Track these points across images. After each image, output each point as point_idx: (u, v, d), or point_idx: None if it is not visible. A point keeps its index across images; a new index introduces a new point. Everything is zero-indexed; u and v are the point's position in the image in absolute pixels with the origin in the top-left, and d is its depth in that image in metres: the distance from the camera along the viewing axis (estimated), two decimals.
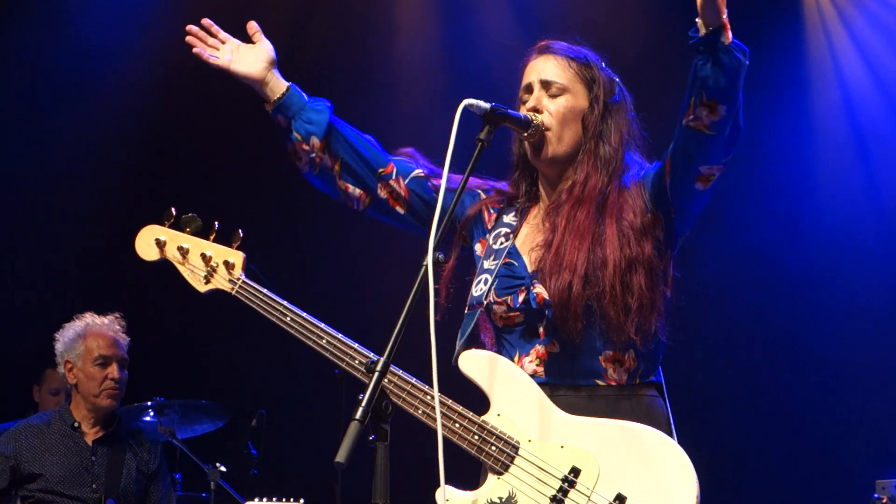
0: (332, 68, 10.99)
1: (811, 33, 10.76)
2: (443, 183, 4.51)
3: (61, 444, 7.69)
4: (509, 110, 4.77)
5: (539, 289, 4.79)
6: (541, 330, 4.81)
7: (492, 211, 5.13)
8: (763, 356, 9.84)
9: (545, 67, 4.94)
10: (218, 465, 8.72)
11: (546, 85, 4.91)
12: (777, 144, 10.41)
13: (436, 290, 4.33)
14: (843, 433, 9.76)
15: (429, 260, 4.36)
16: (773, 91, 10.47)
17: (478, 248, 5.11)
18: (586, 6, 10.52)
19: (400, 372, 4.76)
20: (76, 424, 7.73)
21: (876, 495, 8.29)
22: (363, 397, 4.25)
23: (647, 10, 10.62)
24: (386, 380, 4.54)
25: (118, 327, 7.87)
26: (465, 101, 4.62)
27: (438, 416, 4.48)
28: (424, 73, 10.98)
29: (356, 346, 4.80)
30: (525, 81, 4.98)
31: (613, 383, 4.77)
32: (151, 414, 8.51)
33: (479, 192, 5.17)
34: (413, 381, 4.76)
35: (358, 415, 4.20)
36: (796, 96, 10.69)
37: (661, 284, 4.80)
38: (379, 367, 4.28)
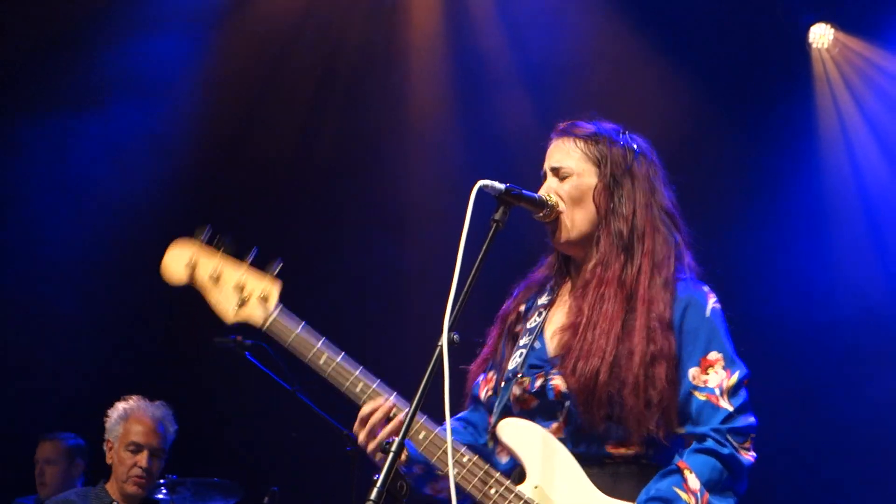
0: (347, 147, 11.04)
1: (821, 107, 10.80)
2: (458, 261, 4.51)
3: None
4: (524, 191, 4.75)
5: (557, 380, 4.75)
6: (560, 419, 4.77)
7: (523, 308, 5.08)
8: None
9: (555, 154, 4.94)
10: None
11: (555, 171, 4.89)
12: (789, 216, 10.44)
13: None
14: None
15: (444, 340, 4.35)
16: (786, 166, 10.50)
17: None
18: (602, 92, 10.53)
19: (460, 447, 4.71)
20: None
21: None
22: (378, 478, 4.24)
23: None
24: (424, 431, 4.64)
25: (162, 414, 7.78)
26: (480, 182, 4.61)
27: (451, 479, 4.44)
28: (441, 154, 10.99)
29: (393, 395, 4.71)
30: (543, 168, 4.96)
31: (620, 460, 4.73)
32: (164, 492, 8.46)
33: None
34: (469, 454, 4.69)
35: (373, 496, 4.20)
36: (810, 156, 10.70)
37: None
38: (394, 448, 4.29)
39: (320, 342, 4.77)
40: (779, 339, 10.02)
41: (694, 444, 4.66)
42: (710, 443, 4.64)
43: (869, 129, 10.67)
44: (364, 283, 10.83)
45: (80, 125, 11.01)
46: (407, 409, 4.44)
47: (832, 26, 10.78)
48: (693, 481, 4.58)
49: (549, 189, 4.88)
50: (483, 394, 5.04)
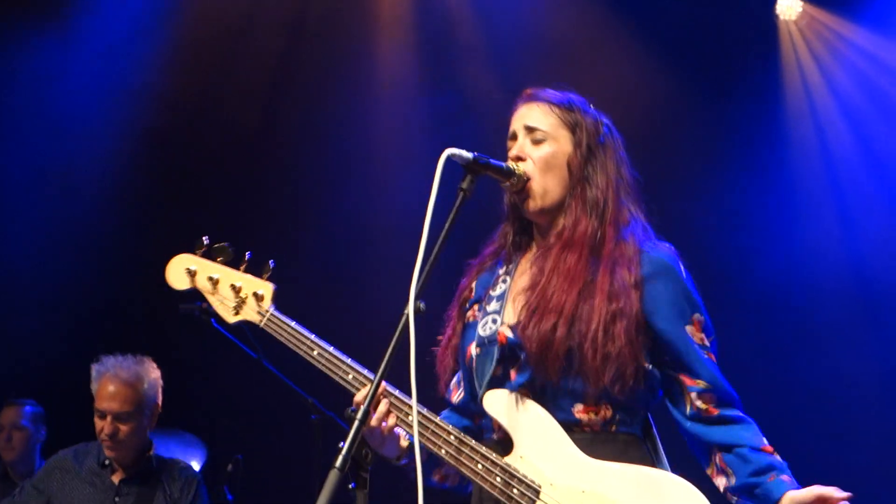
0: (314, 118, 11.03)
1: (788, 78, 10.85)
2: (425, 230, 4.51)
3: (88, 482, 7.65)
4: (491, 160, 4.76)
5: (504, 329, 4.81)
6: (512, 373, 4.81)
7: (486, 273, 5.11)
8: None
9: (529, 114, 4.94)
10: None
11: (530, 130, 4.89)
12: (758, 200, 10.48)
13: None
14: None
15: (410, 309, 4.38)
16: (753, 136, 10.55)
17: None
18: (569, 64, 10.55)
19: (426, 411, 4.76)
20: (106, 462, 7.67)
21: None
22: (343, 445, 4.27)
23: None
24: (420, 419, 4.65)
25: (129, 375, 7.65)
26: (448, 151, 4.62)
27: (418, 458, 4.41)
28: (409, 124, 10.99)
29: (384, 383, 4.70)
30: (510, 129, 4.98)
31: (587, 430, 4.77)
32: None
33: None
34: (437, 421, 4.76)
35: (338, 463, 4.22)
36: (773, 126, 10.79)
37: (641, 335, 4.76)
38: (359, 416, 4.31)
39: (313, 336, 4.89)
40: (746, 306, 10.07)
41: (732, 422, 4.77)
42: (734, 412, 4.79)
43: (835, 100, 10.75)
44: (333, 251, 10.81)
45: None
46: (375, 380, 4.44)
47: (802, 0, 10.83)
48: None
49: (522, 149, 4.90)
50: (455, 398, 5.09)
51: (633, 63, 10.64)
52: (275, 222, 10.94)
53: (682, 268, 4.88)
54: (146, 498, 7.73)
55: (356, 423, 4.32)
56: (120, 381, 7.64)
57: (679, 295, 4.82)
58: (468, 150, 4.70)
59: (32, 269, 11.10)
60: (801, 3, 10.80)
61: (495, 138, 5.12)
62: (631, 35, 10.69)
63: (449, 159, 4.62)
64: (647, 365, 4.79)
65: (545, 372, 4.71)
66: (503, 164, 4.83)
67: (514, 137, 4.97)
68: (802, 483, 4.58)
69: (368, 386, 4.61)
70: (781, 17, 10.85)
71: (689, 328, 4.80)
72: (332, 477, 4.21)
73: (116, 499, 7.66)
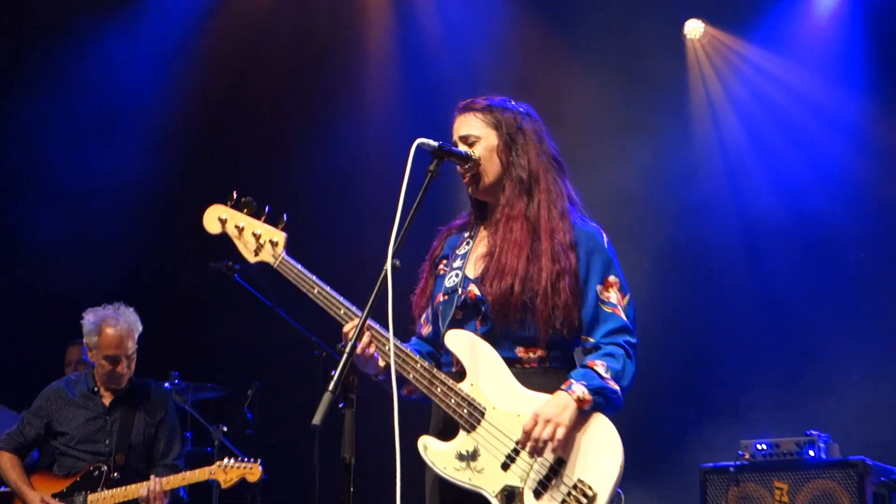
0: (312, 109, 11.02)
1: (693, 87, 10.85)
2: (399, 204, 4.55)
3: (82, 405, 7.63)
4: (453, 147, 4.85)
5: (472, 287, 4.86)
6: (477, 322, 4.85)
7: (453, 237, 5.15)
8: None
9: (461, 126, 4.97)
10: (221, 426, 8.71)
11: (464, 139, 4.92)
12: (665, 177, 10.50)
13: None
14: (715, 402, 9.81)
15: (388, 266, 4.45)
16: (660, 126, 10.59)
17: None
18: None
19: (400, 343, 4.80)
20: (95, 389, 7.66)
21: (740, 452, 8.32)
22: (335, 373, 4.33)
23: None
24: (390, 344, 4.63)
25: (129, 322, 7.68)
26: (418, 140, 4.68)
27: (394, 377, 4.50)
28: (386, 117, 10.99)
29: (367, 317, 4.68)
30: (453, 140, 4.98)
31: (527, 366, 4.82)
32: (167, 385, 8.44)
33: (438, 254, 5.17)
34: (408, 351, 4.81)
35: (330, 387, 4.29)
36: (681, 135, 10.75)
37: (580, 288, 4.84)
38: (347, 350, 4.39)
39: (314, 277, 4.92)
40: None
41: (603, 348, 4.79)
42: (612, 347, 4.78)
43: (732, 107, 10.71)
44: (322, 219, 10.80)
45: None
46: (360, 321, 4.51)
47: (703, 21, 10.80)
48: (603, 370, 4.70)
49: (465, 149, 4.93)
50: (425, 332, 5.10)
51: (571, 73, 10.61)
52: (285, 189, 10.93)
53: (603, 238, 4.94)
54: (130, 414, 7.73)
55: (345, 355, 4.38)
56: (122, 329, 7.66)
57: (598, 260, 4.88)
58: (435, 140, 4.75)
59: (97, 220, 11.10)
60: (704, 25, 10.79)
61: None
62: (571, 50, 10.66)
63: (419, 147, 4.69)
64: (576, 310, 4.83)
65: (505, 321, 4.77)
66: (462, 151, 4.88)
67: (456, 146, 4.96)
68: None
69: (356, 320, 4.67)
70: (688, 36, 10.83)
71: (600, 287, 4.85)
72: (327, 398, 4.27)
73: (107, 417, 7.65)
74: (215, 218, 5.14)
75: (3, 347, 10.65)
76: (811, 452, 8.12)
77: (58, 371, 9.87)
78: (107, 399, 7.66)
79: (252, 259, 5.05)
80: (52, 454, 7.60)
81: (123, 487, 7.49)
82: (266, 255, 5.02)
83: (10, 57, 10.83)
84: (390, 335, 4.57)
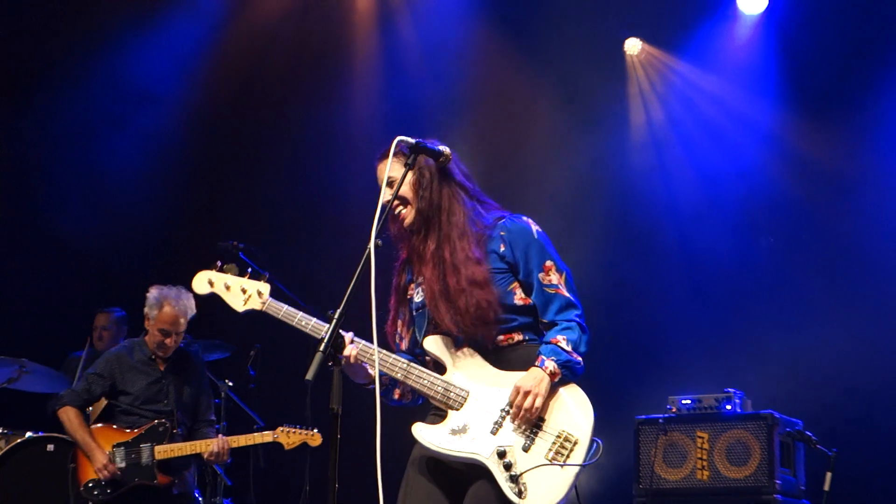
0: (306, 112, 11.01)
1: (632, 97, 10.87)
2: (382, 191, 4.59)
3: (142, 370, 7.63)
4: (427, 143, 4.81)
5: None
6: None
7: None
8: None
9: (381, 173, 4.83)
10: (227, 381, 8.71)
11: (390, 184, 4.79)
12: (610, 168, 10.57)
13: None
14: (648, 363, 9.88)
15: (371, 246, 4.44)
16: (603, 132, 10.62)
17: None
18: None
19: (386, 352, 4.80)
20: (152, 357, 7.67)
21: (669, 406, 8.37)
22: (325, 336, 4.39)
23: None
24: (381, 357, 4.73)
25: (186, 303, 7.70)
26: (399, 137, 4.72)
27: (377, 367, 4.54)
28: (372, 116, 10.98)
29: (351, 333, 4.72)
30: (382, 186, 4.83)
31: (506, 346, 4.85)
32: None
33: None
34: (393, 356, 4.81)
35: (321, 348, 4.34)
36: (623, 136, 10.79)
37: (513, 280, 4.88)
38: (336, 316, 4.40)
39: (300, 314, 4.90)
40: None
41: (559, 324, 4.81)
42: (567, 323, 4.81)
43: (665, 115, 10.75)
44: (315, 209, 10.80)
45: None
46: (345, 295, 4.47)
47: (641, 39, 10.82)
48: (565, 343, 4.74)
49: (387, 197, 4.82)
50: (403, 347, 5.06)
51: (529, 83, 10.63)
52: (283, 185, 10.94)
53: (533, 228, 4.92)
54: (181, 379, 7.78)
55: (334, 321, 4.41)
56: (179, 309, 7.69)
57: (532, 250, 4.88)
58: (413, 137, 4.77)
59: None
60: (641, 43, 10.81)
61: (431, 129, 5.13)
62: (530, 64, 10.67)
63: (399, 144, 4.72)
64: (527, 300, 4.87)
65: (467, 328, 4.79)
66: (436, 147, 4.84)
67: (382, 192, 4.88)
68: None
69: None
70: (628, 52, 10.85)
71: (541, 275, 4.86)
72: (318, 358, 4.32)
73: (163, 381, 7.67)
74: (204, 281, 5.09)
75: (37, 312, 10.62)
76: (728, 407, 8.17)
77: (84, 334, 9.89)
78: (161, 365, 7.67)
79: (241, 308, 5.02)
80: (112, 411, 7.57)
81: (190, 442, 7.55)
82: (253, 304, 4.98)
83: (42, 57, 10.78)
84: (374, 321, 4.51)
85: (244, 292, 5.00)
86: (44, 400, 9.80)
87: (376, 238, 4.45)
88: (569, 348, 4.73)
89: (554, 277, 4.85)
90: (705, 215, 10.24)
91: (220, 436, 7.58)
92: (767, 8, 10.20)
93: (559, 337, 4.75)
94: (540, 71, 10.63)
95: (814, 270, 9.87)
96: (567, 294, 4.85)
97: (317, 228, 10.70)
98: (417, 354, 4.99)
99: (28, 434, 8.70)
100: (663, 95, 10.76)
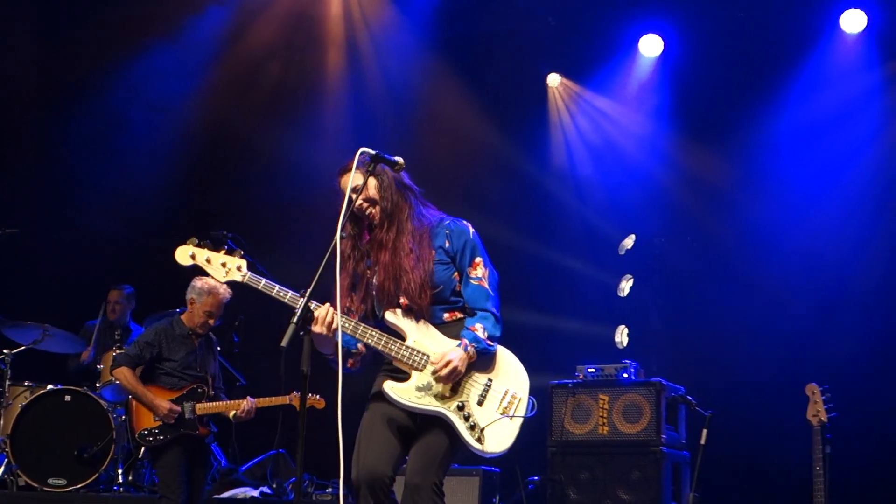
0: (286, 124, 10.89)
1: (552, 124, 10.85)
2: (346, 195, 4.49)
3: (181, 342, 7.51)
4: (386, 155, 4.73)
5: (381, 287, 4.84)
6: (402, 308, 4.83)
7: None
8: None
9: (347, 183, 4.72)
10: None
11: (355, 189, 4.72)
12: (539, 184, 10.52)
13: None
14: (560, 337, 9.88)
15: (337, 237, 4.41)
16: (530, 150, 10.55)
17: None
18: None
19: (364, 324, 4.74)
20: (190, 333, 7.57)
21: (577, 374, 8.35)
22: (297, 310, 4.35)
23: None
24: (352, 325, 4.67)
25: (228, 295, 7.58)
26: (362, 149, 4.63)
27: (340, 340, 4.41)
28: (338, 130, 10.89)
29: (326, 305, 4.63)
30: (349, 194, 4.73)
31: (450, 322, 4.84)
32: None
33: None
34: (369, 327, 4.75)
35: (294, 319, 4.31)
36: (544, 157, 10.76)
37: (453, 271, 4.86)
38: (306, 295, 4.39)
39: (277, 286, 4.73)
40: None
41: (478, 314, 4.80)
42: (482, 313, 4.80)
43: (579, 138, 10.73)
44: (285, 208, 10.68)
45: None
46: (315, 276, 4.44)
47: (560, 75, 10.80)
48: (482, 332, 4.73)
49: (360, 199, 4.79)
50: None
51: (462, 112, 10.57)
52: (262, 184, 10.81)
53: (470, 231, 4.89)
54: (207, 353, 7.71)
55: (305, 298, 4.39)
56: (223, 299, 7.56)
57: (467, 247, 4.85)
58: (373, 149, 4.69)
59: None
60: (560, 77, 10.79)
61: (387, 144, 5.06)
62: (462, 93, 10.62)
63: (362, 154, 4.64)
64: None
65: (417, 307, 4.76)
66: (393, 158, 4.77)
67: (347, 198, 4.78)
68: None
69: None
70: (550, 84, 10.83)
71: (469, 268, 4.84)
72: (291, 327, 4.29)
73: (197, 353, 7.59)
74: (186, 254, 4.87)
75: (59, 285, 10.45)
76: (625, 375, 8.16)
77: (97, 305, 9.75)
78: (195, 341, 7.59)
79: (222, 279, 4.82)
80: (153, 374, 7.49)
81: (224, 402, 7.49)
82: (234, 276, 4.79)
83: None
84: (338, 299, 4.51)
85: (224, 266, 4.82)
86: (63, 359, 9.69)
87: (341, 231, 4.42)
88: (484, 336, 4.73)
89: (479, 272, 4.84)
90: (610, 215, 10.27)
91: (248, 397, 7.51)
92: (663, 51, 10.23)
93: (478, 325, 4.75)
94: (478, 100, 10.58)
95: (695, 264, 9.92)
96: (487, 287, 4.83)
97: (290, 228, 10.56)
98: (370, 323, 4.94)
99: (49, 386, 8.61)
100: (578, 120, 10.72)
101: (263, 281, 4.77)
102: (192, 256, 4.87)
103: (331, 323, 4.59)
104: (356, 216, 4.88)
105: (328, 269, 4.42)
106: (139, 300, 9.91)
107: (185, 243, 4.90)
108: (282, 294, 4.70)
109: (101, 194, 10.73)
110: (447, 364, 4.64)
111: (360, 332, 4.71)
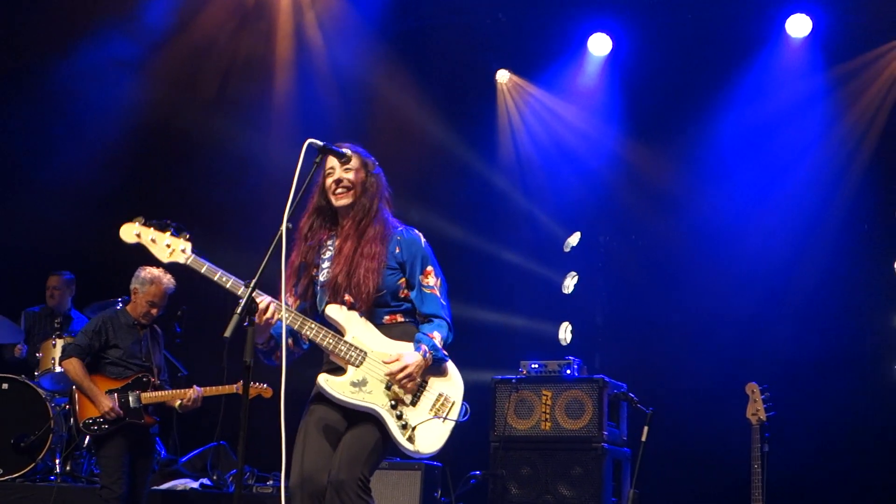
0: (234, 113, 10.80)
1: (501, 120, 10.87)
2: (293, 184, 4.45)
3: (127, 331, 7.47)
4: (333, 147, 4.73)
5: (331, 282, 4.84)
6: (345, 304, 4.80)
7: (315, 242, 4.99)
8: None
9: (330, 164, 4.87)
10: None
11: (344, 164, 4.85)
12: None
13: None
14: (502, 333, 9.91)
15: (283, 228, 4.38)
16: (478, 146, 10.56)
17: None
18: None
19: (303, 316, 4.72)
20: (134, 323, 7.51)
21: (520, 369, 8.37)
22: (241, 302, 4.32)
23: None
24: (291, 315, 4.67)
25: (171, 284, 7.59)
26: (309, 140, 4.58)
27: (284, 333, 4.39)
28: (288, 120, 10.82)
29: (266, 297, 4.62)
30: (329, 166, 4.88)
31: (390, 323, 4.84)
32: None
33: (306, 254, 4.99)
34: (303, 317, 4.71)
35: (238, 311, 4.27)
36: (491, 153, 10.77)
37: (401, 278, 4.88)
38: (251, 286, 4.35)
39: (220, 271, 4.67)
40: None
41: (432, 321, 4.83)
42: (437, 321, 4.83)
43: (527, 135, 10.75)
44: (230, 201, 10.60)
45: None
46: (259, 268, 4.41)
47: (510, 71, 10.81)
48: (438, 339, 4.77)
49: (341, 174, 4.86)
50: (295, 307, 4.91)
51: (410, 106, 10.54)
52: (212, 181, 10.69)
53: (422, 241, 4.92)
54: (153, 342, 7.68)
55: (249, 290, 4.34)
56: (165, 286, 7.55)
57: (418, 257, 4.88)
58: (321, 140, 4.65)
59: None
60: (509, 73, 10.80)
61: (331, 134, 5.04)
62: (415, 91, 10.59)
63: (309, 145, 4.59)
64: (408, 294, 4.87)
65: (360, 302, 4.75)
66: (341, 151, 4.78)
67: (332, 171, 4.88)
68: None
69: (262, 266, 4.46)
70: (499, 81, 10.84)
71: (421, 277, 4.87)
72: (235, 318, 4.25)
73: (142, 342, 7.55)
74: (131, 232, 4.78)
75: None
76: (568, 371, 8.20)
77: (40, 291, 9.62)
78: (140, 331, 7.55)
79: (166, 260, 4.73)
80: (98, 364, 7.42)
81: (169, 391, 7.46)
82: (177, 257, 4.71)
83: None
84: (283, 291, 4.52)
85: (168, 247, 4.73)
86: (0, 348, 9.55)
87: (287, 222, 4.39)
88: (440, 344, 4.76)
89: (431, 280, 4.87)
90: (556, 212, 10.34)
91: (194, 386, 7.47)
92: (612, 51, 10.28)
93: (435, 333, 4.78)
94: (427, 95, 10.56)
95: (640, 263, 10.00)
96: (439, 295, 4.88)
97: (234, 220, 10.47)
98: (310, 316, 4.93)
99: None
100: (526, 118, 10.74)
101: (206, 265, 4.71)
102: (138, 235, 4.79)
103: (272, 313, 4.57)
104: (322, 209, 4.92)
105: (274, 259, 4.38)
106: (81, 287, 9.78)
107: (131, 221, 4.82)
108: (224, 279, 4.66)
109: (42, 180, 10.55)
110: (403, 369, 4.65)
111: (299, 323, 4.69)
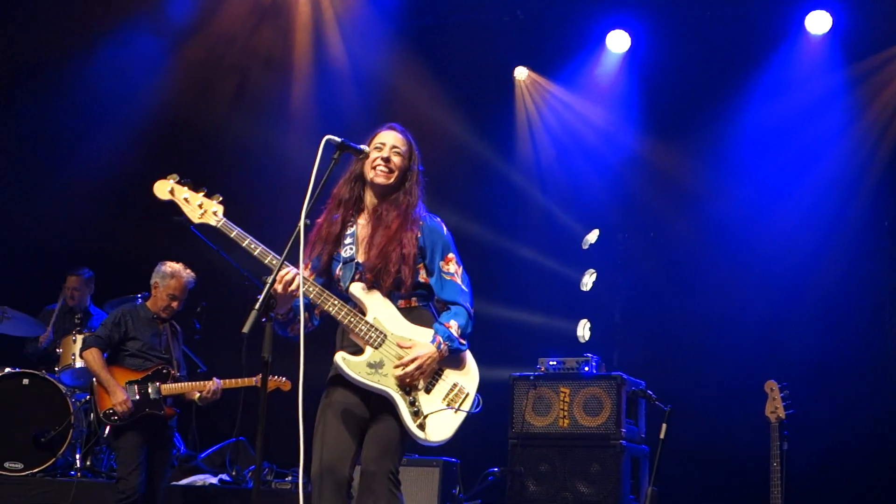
0: (254, 111, 10.82)
1: (519, 116, 10.86)
2: (311, 181, 4.46)
3: (147, 325, 7.52)
4: (351, 143, 4.72)
5: (361, 259, 4.84)
6: (367, 282, 4.80)
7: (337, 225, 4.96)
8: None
9: (390, 138, 4.92)
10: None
11: (394, 148, 4.88)
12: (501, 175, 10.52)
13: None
14: (522, 331, 9.90)
15: (301, 225, 4.39)
16: (496, 143, 10.56)
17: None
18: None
19: (327, 291, 4.72)
20: (155, 317, 7.55)
21: (538, 366, 8.37)
22: (260, 297, 4.30)
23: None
24: (316, 290, 4.66)
25: (192, 278, 7.65)
26: (327, 136, 4.59)
27: (303, 316, 4.39)
28: (306, 118, 10.83)
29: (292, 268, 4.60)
30: (379, 141, 4.91)
31: (406, 307, 4.82)
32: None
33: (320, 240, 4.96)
34: (326, 292, 4.71)
35: (256, 307, 4.26)
36: (510, 149, 10.76)
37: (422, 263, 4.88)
38: (269, 282, 4.36)
39: (249, 238, 4.70)
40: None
41: (450, 309, 4.82)
42: (456, 308, 4.81)
43: (545, 132, 10.74)
44: (250, 197, 10.59)
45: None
46: (279, 264, 4.46)
47: (528, 68, 10.80)
48: (455, 329, 4.74)
49: (389, 155, 4.87)
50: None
51: (428, 103, 10.53)
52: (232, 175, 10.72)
53: (444, 229, 4.93)
54: (173, 335, 7.72)
55: (267, 286, 4.36)
56: (189, 283, 7.63)
57: (439, 243, 4.87)
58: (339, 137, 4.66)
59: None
60: (527, 70, 10.79)
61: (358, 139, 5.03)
62: (435, 86, 10.58)
63: (328, 141, 4.59)
64: (427, 279, 4.86)
65: (383, 282, 4.75)
66: (359, 147, 4.78)
67: (382, 147, 4.89)
68: None
69: (277, 264, 4.52)
70: (517, 78, 10.83)
71: (442, 263, 4.86)
72: (253, 314, 4.25)
73: (162, 336, 7.61)
74: (164, 189, 4.81)
75: (18, 267, 10.33)
76: (586, 368, 8.19)
77: (56, 289, 9.67)
78: (160, 325, 7.61)
79: (196, 220, 4.75)
80: (118, 356, 7.48)
81: (189, 382, 7.49)
82: (208, 219, 4.74)
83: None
84: (300, 278, 4.52)
85: (201, 207, 4.76)
86: (21, 343, 9.59)
87: (305, 219, 4.40)
88: (458, 333, 4.74)
89: (452, 267, 4.86)
90: (574, 210, 10.31)
91: (214, 378, 7.52)
92: (631, 47, 10.26)
93: (452, 322, 4.76)
94: (445, 92, 10.56)
95: (658, 260, 9.98)
96: (460, 282, 4.86)
97: (254, 216, 10.45)
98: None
99: (7, 370, 8.54)
100: (545, 115, 10.73)
101: (237, 230, 4.72)
102: (171, 192, 4.81)
103: (296, 285, 4.56)
104: (361, 177, 4.90)
105: (292, 256, 4.39)
106: (99, 284, 9.82)
107: (165, 178, 4.84)
108: (252, 247, 4.67)
109: (62, 177, 10.60)
110: (413, 360, 4.65)
111: (322, 298, 4.69)
